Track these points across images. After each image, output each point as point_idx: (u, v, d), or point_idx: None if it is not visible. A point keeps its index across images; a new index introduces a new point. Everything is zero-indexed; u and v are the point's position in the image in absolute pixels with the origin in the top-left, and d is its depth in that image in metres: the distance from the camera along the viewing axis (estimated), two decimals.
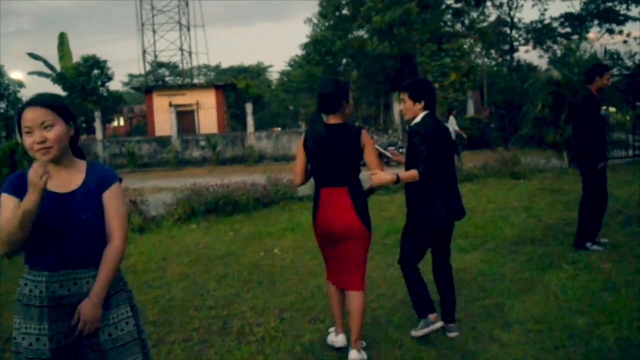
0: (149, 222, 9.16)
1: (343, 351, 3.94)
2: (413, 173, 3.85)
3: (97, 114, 27.60)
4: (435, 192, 3.98)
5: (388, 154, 4.92)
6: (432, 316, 4.12)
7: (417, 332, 4.11)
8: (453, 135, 16.83)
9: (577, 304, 4.60)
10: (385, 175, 3.74)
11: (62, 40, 35.52)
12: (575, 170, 13.17)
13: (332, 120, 3.77)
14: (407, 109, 4.16)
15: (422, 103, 4.06)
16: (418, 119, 4.07)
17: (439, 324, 4.11)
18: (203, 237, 8.16)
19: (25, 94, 40.14)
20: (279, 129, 37.37)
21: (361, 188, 3.82)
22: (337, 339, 4.01)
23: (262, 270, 6.21)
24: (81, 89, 34.49)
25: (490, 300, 4.80)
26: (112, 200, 2.49)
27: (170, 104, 27.34)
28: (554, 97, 13.69)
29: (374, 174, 3.75)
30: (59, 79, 34.70)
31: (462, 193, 10.70)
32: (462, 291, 5.07)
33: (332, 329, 4.21)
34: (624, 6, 40.94)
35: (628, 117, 15.07)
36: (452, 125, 17.19)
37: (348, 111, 3.82)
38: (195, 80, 47.01)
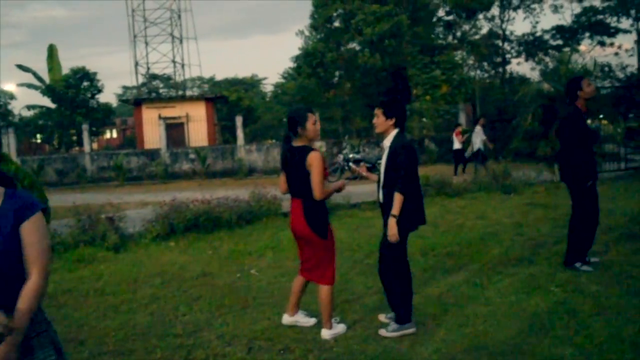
0: (127, 239, 8.84)
1: None
2: (398, 199, 4.37)
3: (85, 126, 27.24)
4: (408, 203, 4.40)
5: (358, 169, 5.10)
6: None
7: (388, 334, 4.49)
8: (480, 145, 16.72)
9: (564, 332, 4.33)
10: (393, 228, 4.38)
11: (52, 52, 35.22)
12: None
13: (296, 142, 4.48)
14: (379, 124, 4.64)
15: (393, 120, 4.56)
16: (391, 137, 4.58)
17: (413, 329, 4.53)
18: (180, 256, 7.85)
19: (15, 106, 39.84)
20: (272, 141, 37.12)
21: (314, 201, 4.36)
22: (284, 316, 4.88)
23: (236, 293, 5.91)
24: (70, 101, 34.15)
25: (473, 329, 4.51)
26: (31, 233, 2.21)
27: (160, 117, 27.05)
28: (544, 110, 13.48)
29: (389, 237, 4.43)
30: (47, 91, 34.38)
31: (451, 209, 10.65)
32: (444, 318, 4.79)
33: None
34: (614, 18, 41.02)
35: (619, 130, 14.88)
36: (479, 135, 16.96)
37: (310, 134, 4.43)
38: (189, 92, 46.80)
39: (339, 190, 4.62)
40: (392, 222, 4.38)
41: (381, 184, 4.66)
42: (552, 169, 14.02)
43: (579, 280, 5.63)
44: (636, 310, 4.72)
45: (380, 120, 4.61)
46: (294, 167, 4.42)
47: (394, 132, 4.57)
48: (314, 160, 4.30)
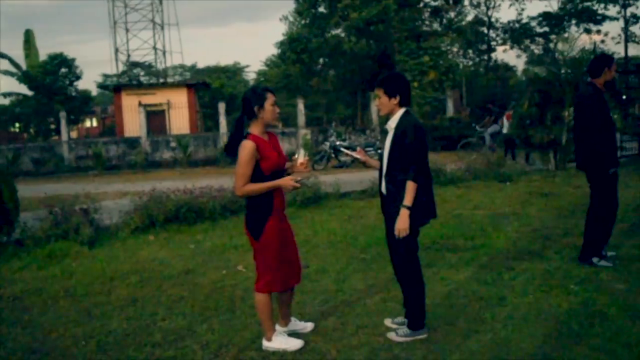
0: (103, 233, 8.22)
1: None
2: (411, 188, 3.83)
3: (62, 114, 26.34)
4: (420, 192, 3.87)
5: (354, 154, 4.40)
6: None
7: (399, 338, 4.01)
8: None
9: (596, 338, 3.82)
10: (404, 222, 3.84)
11: (28, 38, 34.15)
12: (564, 173, 12.59)
13: (251, 127, 3.91)
14: (382, 105, 4.07)
15: (398, 98, 3.98)
16: (396, 117, 4.01)
17: (425, 334, 4.05)
18: (160, 251, 7.25)
19: None
20: None
21: (248, 197, 3.86)
22: (277, 327, 4.20)
23: (222, 293, 5.34)
24: (48, 89, 33.12)
25: (492, 335, 3.98)
26: None
27: (140, 104, 26.23)
28: (540, 95, 13.00)
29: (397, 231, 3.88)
30: (24, 77, 33.31)
31: (447, 198, 10.08)
32: (457, 321, 4.26)
33: None
34: (602, 5, 40.74)
35: (616, 116, 14.46)
36: (507, 129, 16.52)
37: (267, 116, 3.88)
38: (170, 80, 45.78)
39: (287, 187, 3.87)
40: (404, 214, 3.83)
41: (384, 172, 4.08)
42: (548, 157, 13.59)
43: (599, 277, 5.14)
44: None
45: (383, 101, 4.03)
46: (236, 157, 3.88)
47: (400, 112, 4.00)
48: (240, 149, 3.78)
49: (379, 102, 4.07)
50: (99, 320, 4.77)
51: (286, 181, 3.85)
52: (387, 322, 4.32)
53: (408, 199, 3.82)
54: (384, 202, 4.13)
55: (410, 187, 3.82)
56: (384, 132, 4.14)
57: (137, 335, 4.37)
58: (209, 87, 35.36)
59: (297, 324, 4.31)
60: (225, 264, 6.43)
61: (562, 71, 13.35)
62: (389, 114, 4.07)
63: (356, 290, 5.17)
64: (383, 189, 4.10)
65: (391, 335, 4.04)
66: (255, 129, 3.90)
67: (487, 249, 6.36)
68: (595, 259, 5.50)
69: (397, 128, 3.96)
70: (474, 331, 4.08)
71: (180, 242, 7.65)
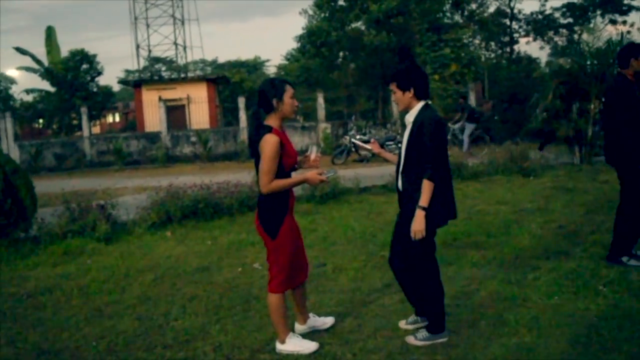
0: (119, 229, 8.15)
1: None
2: (427, 187, 3.63)
3: (84, 109, 26.44)
4: (437, 191, 3.66)
5: (368, 147, 4.27)
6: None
7: (418, 342, 3.84)
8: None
9: (630, 345, 3.60)
10: (419, 224, 3.65)
11: (50, 34, 34.29)
12: (590, 167, 12.25)
13: (267, 120, 3.72)
14: (398, 99, 3.89)
15: (412, 91, 3.79)
16: (415, 111, 3.81)
17: (446, 338, 3.88)
18: (176, 247, 7.15)
19: (15, 91, 39.02)
20: None
21: (270, 195, 3.66)
22: (296, 326, 4.16)
23: (237, 291, 5.21)
24: (69, 85, 33.28)
25: (518, 340, 3.79)
26: None
27: (160, 99, 26.24)
28: (565, 87, 12.64)
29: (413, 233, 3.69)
30: (46, 74, 33.52)
31: (468, 193, 9.84)
32: (480, 324, 4.08)
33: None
34: None
35: None
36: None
37: (286, 109, 3.72)
38: (190, 74, 45.91)
39: (314, 182, 3.73)
40: (419, 215, 3.63)
41: (401, 168, 3.90)
42: (573, 150, 13.25)
43: (629, 277, 4.90)
44: None
45: (398, 96, 3.85)
46: (256, 153, 3.69)
47: (418, 106, 3.80)
48: (264, 144, 3.57)
49: (395, 97, 3.91)
50: (111, 320, 4.67)
51: (313, 175, 3.70)
52: (402, 324, 4.15)
53: (424, 199, 3.63)
54: (400, 198, 3.96)
55: (427, 187, 3.63)
56: (405, 126, 3.92)
57: (148, 336, 4.27)
58: (229, 81, 35.31)
59: (316, 320, 4.18)
60: (241, 261, 6.30)
61: (588, 62, 12.98)
62: (407, 108, 3.87)
63: (374, 290, 5.01)
64: (399, 186, 3.93)
65: (410, 339, 3.88)
66: (273, 122, 3.71)
67: (511, 247, 6.14)
68: (624, 258, 5.26)
69: (414, 122, 3.77)
70: (497, 335, 3.88)
71: (197, 239, 7.54)
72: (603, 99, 5.68)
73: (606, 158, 5.44)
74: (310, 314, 4.20)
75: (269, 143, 3.56)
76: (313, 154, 3.85)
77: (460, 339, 3.86)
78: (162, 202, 8.48)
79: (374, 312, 4.46)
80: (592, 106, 12.57)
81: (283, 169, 3.66)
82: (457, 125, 17.87)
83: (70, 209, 8.04)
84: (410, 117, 3.83)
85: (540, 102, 13.33)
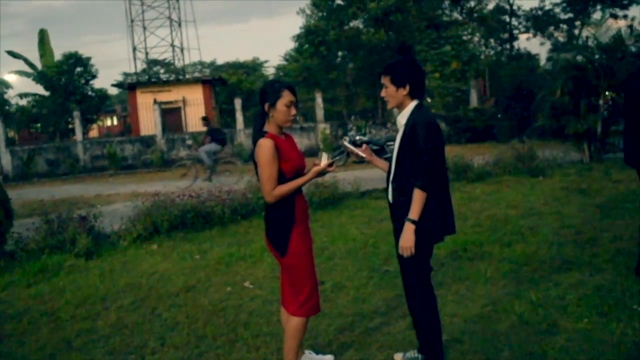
0: (102, 242, 7.59)
1: None
2: (418, 198, 3.14)
3: (76, 113, 25.91)
4: (432, 203, 3.19)
5: (360, 152, 3.63)
6: None
7: None
8: None
9: None
10: (408, 240, 3.16)
11: (43, 37, 33.75)
12: (600, 165, 11.69)
13: (266, 125, 3.32)
14: (389, 95, 3.36)
15: (407, 88, 3.29)
16: (407, 111, 3.32)
17: None
18: (161, 262, 6.58)
19: (12, 95, 38.46)
20: None
21: (270, 204, 3.27)
22: None
23: (223, 317, 4.65)
24: (64, 88, 32.72)
25: None
26: None
27: (155, 101, 25.68)
28: (574, 83, 12.09)
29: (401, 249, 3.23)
30: (40, 78, 32.97)
31: (475, 196, 9.22)
32: (499, 356, 3.51)
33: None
34: None
35: None
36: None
37: (279, 117, 3.25)
38: (188, 77, 45.34)
39: (322, 173, 3.27)
40: (408, 230, 3.14)
41: (391, 176, 3.36)
42: (582, 147, 12.70)
43: None
44: None
45: (390, 91, 3.34)
46: (254, 159, 3.30)
47: (411, 105, 3.32)
48: (257, 150, 3.21)
49: (386, 93, 3.37)
50: (79, 354, 4.11)
51: (319, 168, 3.24)
52: (398, 357, 3.59)
53: (414, 212, 3.14)
54: (391, 211, 3.43)
55: (418, 197, 3.14)
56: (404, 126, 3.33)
57: None
58: (226, 83, 34.76)
59: (312, 358, 3.62)
60: (231, 278, 5.73)
61: (597, 57, 12.43)
62: (398, 106, 3.38)
63: (378, 314, 4.45)
64: (390, 197, 3.39)
65: None
66: (269, 127, 3.31)
67: (527, 258, 5.58)
68: None
69: (406, 124, 3.27)
70: None
71: (184, 252, 6.97)
72: (622, 94, 5.10)
73: (626, 158, 4.85)
74: (307, 351, 3.64)
75: (262, 147, 3.19)
76: (324, 160, 3.29)
77: None
78: (149, 212, 7.91)
79: (378, 342, 3.89)
80: (602, 101, 12.02)
81: (284, 176, 3.20)
82: (205, 147, 16.70)
83: (48, 221, 7.48)
84: (402, 119, 3.32)
85: (547, 98, 12.78)
